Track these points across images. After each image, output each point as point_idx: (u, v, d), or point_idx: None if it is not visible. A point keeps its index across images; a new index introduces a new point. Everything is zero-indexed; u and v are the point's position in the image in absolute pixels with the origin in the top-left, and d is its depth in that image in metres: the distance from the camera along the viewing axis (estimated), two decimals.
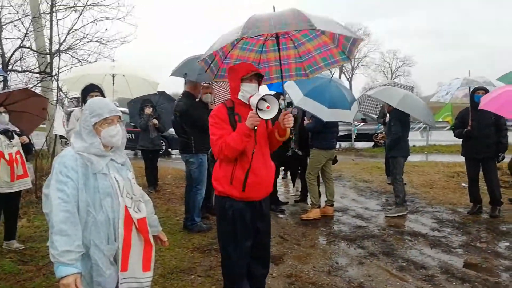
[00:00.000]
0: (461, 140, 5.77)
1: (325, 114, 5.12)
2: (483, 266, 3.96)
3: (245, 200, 2.63)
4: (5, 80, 7.80)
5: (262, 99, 2.40)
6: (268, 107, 2.41)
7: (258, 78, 2.71)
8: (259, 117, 2.39)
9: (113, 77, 6.23)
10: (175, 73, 5.11)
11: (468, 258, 4.16)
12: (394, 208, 5.78)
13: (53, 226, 1.89)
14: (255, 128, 2.50)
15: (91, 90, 4.19)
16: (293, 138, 6.00)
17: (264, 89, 3.23)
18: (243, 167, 2.58)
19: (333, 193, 5.82)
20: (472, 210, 5.71)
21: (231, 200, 2.62)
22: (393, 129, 5.63)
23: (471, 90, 5.74)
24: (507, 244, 4.54)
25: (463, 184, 7.46)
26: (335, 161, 6.00)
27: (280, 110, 2.54)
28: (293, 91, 5.30)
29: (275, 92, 5.48)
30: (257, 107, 2.38)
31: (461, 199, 6.51)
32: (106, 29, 8.96)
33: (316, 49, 3.06)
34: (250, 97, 2.56)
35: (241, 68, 2.66)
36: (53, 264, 1.90)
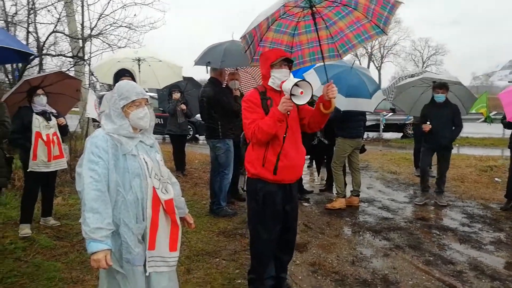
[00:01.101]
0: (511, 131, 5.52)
1: (343, 103, 4.98)
2: None
3: (277, 183, 2.69)
4: (40, 64, 8.10)
5: (296, 84, 2.41)
6: (301, 92, 2.43)
7: (288, 63, 2.71)
8: (293, 102, 2.42)
9: (139, 64, 6.29)
10: (198, 62, 5.15)
11: (499, 256, 4.02)
12: (442, 196, 5.81)
13: (85, 204, 1.97)
14: (288, 113, 2.54)
15: (122, 74, 4.29)
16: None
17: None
18: (275, 150, 2.65)
19: (360, 183, 5.74)
20: (506, 206, 5.48)
21: (262, 182, 2.70)
22: (460, 123, 5.59)
23: None
24: None
25: (496, 179, 7.18)
26: (363, 150, 5.88)
27: (313, 96, 2.54)
28: (312, 80, 5.20)
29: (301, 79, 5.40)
30: (291, 92, 2.39)
31: (494, 195, 6.26)
32: (135, 15, 9.10)
33: (349, 27, 2.96)
34: (282, 82, 2.58)
35: (271, 54, 2.69)
36: (86, 241, 1.99)
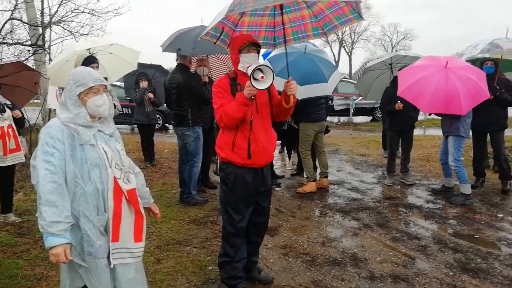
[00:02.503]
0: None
1: (299, 92, 4.90)
2: (475, 236, 4.01)
3: (247, 167, 2.73)
4: None
5: (258, 69, 2.42)
6: (262, 77, 2.43)
7: (257, 47, 2.75)
8: (254, 87, 2.41)
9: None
10: (168, 48, 4.96)
11: (461, 229, 4.21)
12: (408, 175, 5.96)
13: (40, 197, 1.89)
14: (252, 97, 2.55)
15: (91, 62, 4.17)
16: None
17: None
18: (244, 135, 2.68)
19: (326, 165, 5.82)
20: (475, 184, 5.65)
21: (232, 165, 2.73)
22: None
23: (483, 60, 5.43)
24: (500, 215, 4.58)
25: None
26: (326, 131, 5.97)
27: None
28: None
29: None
30: (252, 77, 2.40)
31: None
32: (98, 0, 8.72)
33: (328, 8, 2.98)
34: (248, 67, 2.60)
35: (238, 40, 2.72)
36: (43, 235, 1.91)
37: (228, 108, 2.57)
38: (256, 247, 3.08)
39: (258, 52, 2.78)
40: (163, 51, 5.02)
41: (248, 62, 2.65)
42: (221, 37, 2.94)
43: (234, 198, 2.76)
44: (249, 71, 2.49)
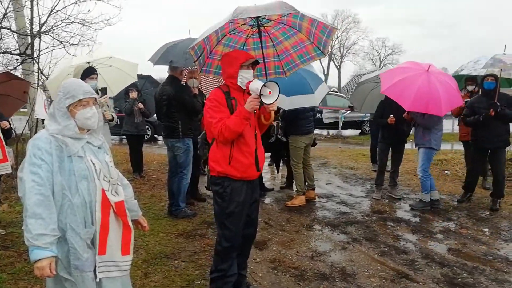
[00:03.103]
0: (471, 128, 5.52)
1: (285, 103, 5.05)
2: (462, 251, 4.05)
3: (243, 180, 2.76)
4: None
5: (264, 85, 2.51)
6: (270, 92, 2.51)
7: (253, 65, 2.82)
8: (262, 102, 2.50)
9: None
10: (159, 61, 4.98)
11: (448, 244, 4.25)
12: (396, 189, 6.06)
13: (27, 210, 1.86)
14: (255, 112, 2.62)
15: (90, 73, 4.16)
16: (280, 124, 6.02)
17: None
18: (240, 148, 2.71)
19: (313, 177, 5.88)
20: (462, 198, 5.71)
21: (229, 179, 2.74)
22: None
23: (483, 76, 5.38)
24: (486, 230, 4.64)
25: (446, 172, 7.59)
26: (314, 144, 6.04)
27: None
28: (256, 84, 5.24)
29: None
30: (260, 93, 2.48)
31: (444, 186, 6.61)
32: (89, 10, 8.73)
33: (293, 47, 3.17)
34: (248, 83, 2.66)
35: (241, 56, 2.77)
36: (28, 248, 1.87)
37: (230, 122, 2.59)
38: (244, 260, 3.07)
39: (253, 70, 2.85)
40: (155, 64, 5.02)
41: (247, 78, 2.70)
42: (200, 58, 2.99)
43: (231, 211, 2.77)
44: (253, 87, 2.56)
